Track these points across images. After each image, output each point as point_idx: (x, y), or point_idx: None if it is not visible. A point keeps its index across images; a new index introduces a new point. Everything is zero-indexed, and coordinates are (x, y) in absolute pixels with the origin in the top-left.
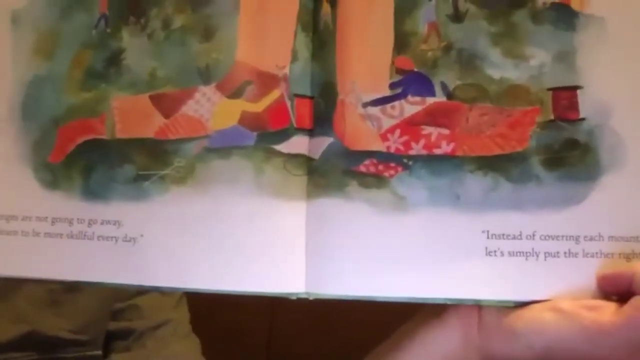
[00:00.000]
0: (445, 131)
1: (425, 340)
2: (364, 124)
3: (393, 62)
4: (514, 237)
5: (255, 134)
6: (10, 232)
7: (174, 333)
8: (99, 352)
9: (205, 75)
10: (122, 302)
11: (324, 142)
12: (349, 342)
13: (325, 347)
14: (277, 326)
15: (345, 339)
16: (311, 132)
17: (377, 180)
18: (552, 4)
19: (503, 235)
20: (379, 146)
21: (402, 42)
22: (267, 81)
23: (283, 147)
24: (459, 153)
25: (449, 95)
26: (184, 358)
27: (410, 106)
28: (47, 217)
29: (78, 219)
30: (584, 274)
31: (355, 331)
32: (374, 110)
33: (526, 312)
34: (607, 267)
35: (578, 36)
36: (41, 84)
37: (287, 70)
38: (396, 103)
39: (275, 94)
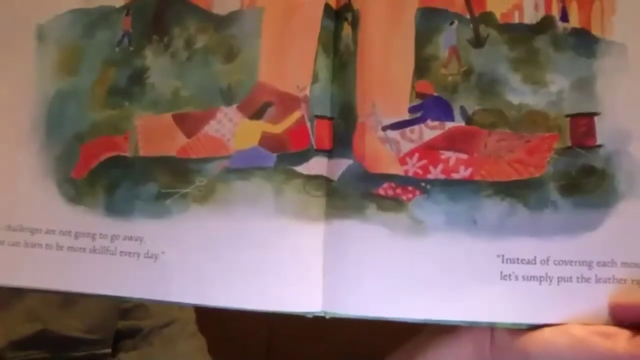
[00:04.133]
0: (464, 156)
1: (436, 356)
2: (383, 147)
3: (413, 86)
4: (529, 262)
5: (275, 155)
6: (35, 245)
7: (180, 332)
8: (109, 351)
9: (227, 96)
10: (130, 301)
11: (343, 163)
12: (349, 344)
13: (325, 348)
14: (277, 327)
15: (345, 341)
16: (330, 153)
17: (395, 204)
18: (573, 29)
19: (518, 259)
20: (397, 170)
21: (422, 66)
22: (287, 102)
23: (303, 169)
24: (477, 178)
25: (468, 120)
26: (191, 357)
27: (430, 130)
28: (70, 231)
29: (101, 234)
30: (596, 299)
31: (355, 333)
32: (393, 134)
33: (539, 335)
34: (619, 293)
35: (598, 62)
36: (64, 100)
37: (307, 92)
38: (415, 127)
39: (295, 116)
